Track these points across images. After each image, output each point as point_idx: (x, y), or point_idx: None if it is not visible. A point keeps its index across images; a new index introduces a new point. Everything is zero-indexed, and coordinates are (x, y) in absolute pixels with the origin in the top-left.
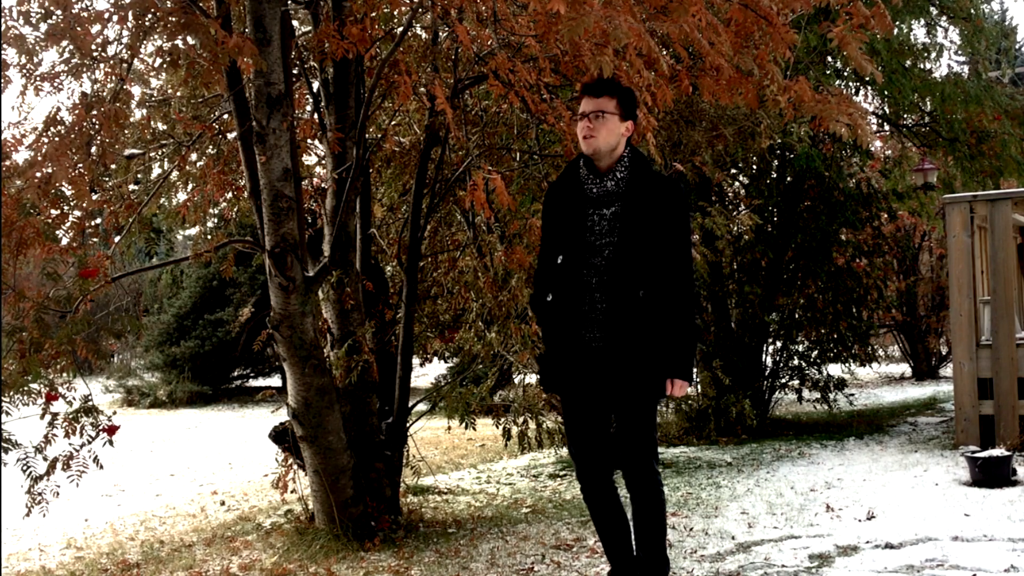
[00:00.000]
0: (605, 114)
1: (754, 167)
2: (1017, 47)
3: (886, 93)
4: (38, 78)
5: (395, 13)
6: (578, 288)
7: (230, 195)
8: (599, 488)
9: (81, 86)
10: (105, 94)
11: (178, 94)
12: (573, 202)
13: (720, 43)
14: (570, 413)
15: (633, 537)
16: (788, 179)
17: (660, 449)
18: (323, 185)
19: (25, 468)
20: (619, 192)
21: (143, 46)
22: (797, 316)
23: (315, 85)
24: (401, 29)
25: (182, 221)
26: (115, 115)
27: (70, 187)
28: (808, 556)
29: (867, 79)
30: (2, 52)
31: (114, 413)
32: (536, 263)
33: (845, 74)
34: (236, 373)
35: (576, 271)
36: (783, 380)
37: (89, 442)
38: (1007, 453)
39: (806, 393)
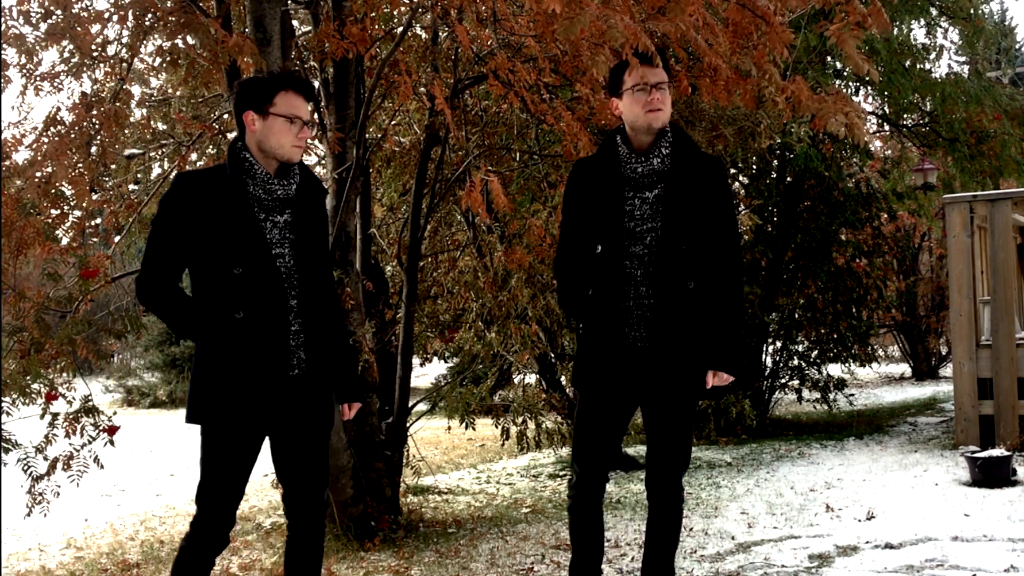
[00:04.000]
0: (665, 85)
1: (754, 167)
2: (1017, 47)
3: (886, 93)
4: (38, 78)
5: (395, 13)
6: (620, 281)
7: None
8: (595, 500)
9: (81, 86)
10: (105, 94)
11: (178, 94)
12: (608, 184)
13: (718, 43)
14: (592, 415)
15: (644, 548)
16: (788, 179)
17: None
18: (323, 185)
19: (26, 468)
20: (664, 171)
21: (143, 46)
22: (797, 316)
23: (315, 85)
24: (401, 29)
25: None
26: (115, 115)
27: (70, 187)
28: (808, 556)
29: (866, 79)
30: (2, 52)
31: (114, 413)
32: (559, 251)
33: (845, 74)
34: None
35: (617, 262)
36: (783, 380)
37: (89, 442)
38: (1007, 453)
39: (806, 393)
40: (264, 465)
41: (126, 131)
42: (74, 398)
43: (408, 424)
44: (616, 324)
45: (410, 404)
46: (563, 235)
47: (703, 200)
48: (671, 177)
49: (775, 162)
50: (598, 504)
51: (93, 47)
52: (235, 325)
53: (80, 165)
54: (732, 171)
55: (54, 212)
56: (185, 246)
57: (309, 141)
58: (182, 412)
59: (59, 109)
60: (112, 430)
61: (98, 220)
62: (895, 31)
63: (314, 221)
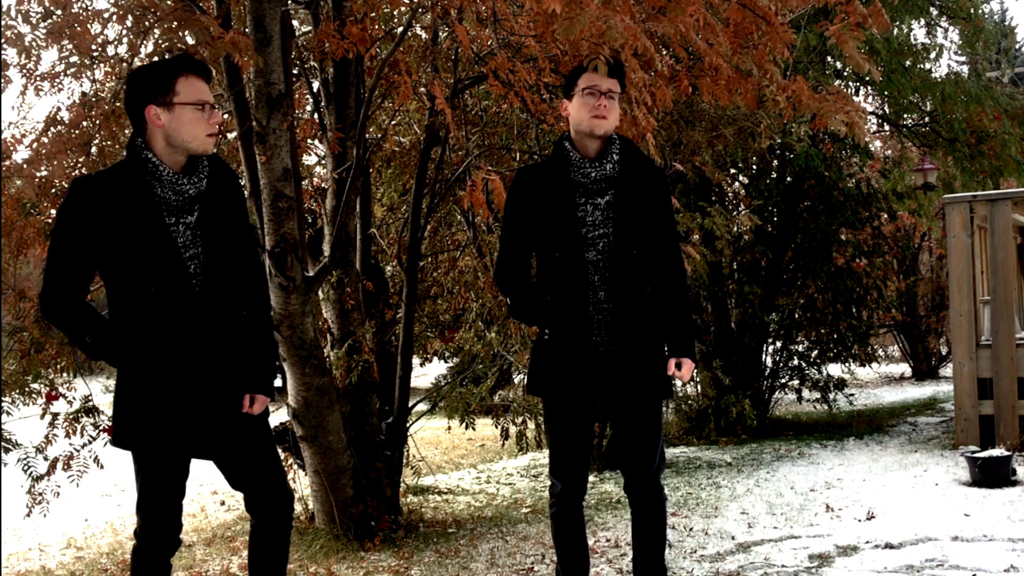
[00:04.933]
0: (615, 95)
1: (754, 167)
2: (1017, 47)
3: (886, 93)
4: (38, 78)
5: (395, 13)
6: (580, 287)
7: None
8: (578, 510)
9: (81, 86)
10: (105, 94)
11: None
12: (559, 190)
13: (719, 43)
14: (564, 424)
15: (632, 551)
16: (788, 179)
17: None
18: (323, 185)
19: (26, 468)
20: (615, 178)
21: (143, 46)
22: (797, 316)
23: (315, 85)
24: (401, 29)
25: None
26: (115, 114)
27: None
28: (808, 556)
29: (867, 78)
30: (2, 52)
31: None
32: (501, 260)
33: (845, 74)
34: None
35: (575, 268)
36: (783, 380)
37: (89, 442)
38: (1007, 453)
39: (806, 393)
40: None
41: (126, 131)
42: (74, 398)
43: (408, 424)
44: (580, 330)
45: (410, 404)
46: (506, 244)
47: (649, 207)
48: (620, 183)
49: (775, 162)
50: (580, 509)
51: (93, 47)
52: (155, 346)
53: (80, 165)
54: (732, 171)
55: (54, 212)
56: (89, 258)
57: (309, 141)
58: None
59: (59, 109)
60: (112, 430)
61: None
62: (895, 31)
63: (229, 214)
